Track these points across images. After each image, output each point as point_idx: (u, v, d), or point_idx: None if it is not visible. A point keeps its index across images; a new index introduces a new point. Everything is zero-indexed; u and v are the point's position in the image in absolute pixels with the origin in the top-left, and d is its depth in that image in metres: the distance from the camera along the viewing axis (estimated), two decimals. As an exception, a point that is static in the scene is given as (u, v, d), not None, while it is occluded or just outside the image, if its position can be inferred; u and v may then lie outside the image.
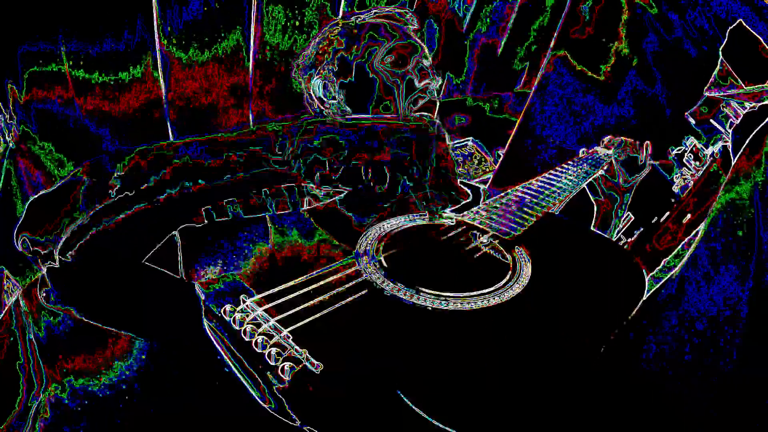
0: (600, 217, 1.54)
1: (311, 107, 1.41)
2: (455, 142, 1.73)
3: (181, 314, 1.13)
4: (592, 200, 1.54)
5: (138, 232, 1.15)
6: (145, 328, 1.11)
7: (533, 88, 1.62)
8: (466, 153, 1.72)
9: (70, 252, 1.14)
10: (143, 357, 1.10)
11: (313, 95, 1.37)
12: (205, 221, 1.21)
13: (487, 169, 1.69)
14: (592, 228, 1.53)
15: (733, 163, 1.29)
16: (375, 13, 1.38)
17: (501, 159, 1.65)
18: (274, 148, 1.25)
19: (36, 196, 1.26)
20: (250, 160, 1.22)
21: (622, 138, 1.54)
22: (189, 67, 1.58)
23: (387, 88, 1.34)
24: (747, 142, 1.29)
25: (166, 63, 1.57)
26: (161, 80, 1.58)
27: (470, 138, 1.71)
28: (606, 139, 1.55)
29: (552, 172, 1.53)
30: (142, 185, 1.16)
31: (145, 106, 1.58)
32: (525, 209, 1.38)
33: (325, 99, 1.36)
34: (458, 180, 1.41)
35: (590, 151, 1.56)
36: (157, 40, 1.55)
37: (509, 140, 1.64)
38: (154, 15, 1.55)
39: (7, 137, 1.53)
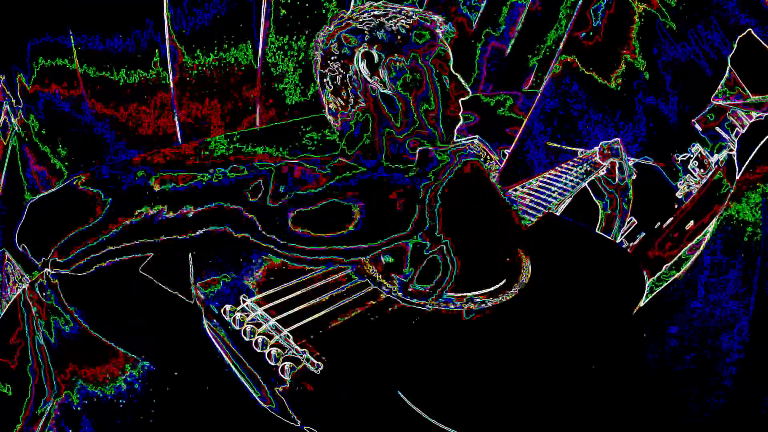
0: (605, 219, 1.54)
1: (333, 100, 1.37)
2: (461, 139, 1.73)
3: (181, 334, 1.14)
4: (597, 203, 1.54)
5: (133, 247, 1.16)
6: (143, 346, 1.12)
7: (540, 90, 1.61)
8: (473, 152, 1.72)
9: (67, 262, 1.14)
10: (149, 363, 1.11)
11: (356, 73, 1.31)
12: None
13: (493, 168, 1.68)
14: (597, 230, 1.53)
15: (739, 174, 1.29)
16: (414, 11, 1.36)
17: (506, 158, 1.64)
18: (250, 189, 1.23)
19: (36, 199, 1.26)
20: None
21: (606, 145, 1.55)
22: (198, 70, 1.58)
23: (431, 85, 1.31)
24: (754, 152, 1.28)
25: (174, 65, 1.57)
26: (170, 82, 1.58)
27: (477, 136, 1.71)
28: (603, 144, 1.55)
29: (553, 172, 1.53)
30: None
31: (151, 108, 1.58)
32: (526, 209, 1.38)
33: (368, 75, 1.30)
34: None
35: (590, 152, 1.56)
36: (167, 42, 1.55)
37: (515, 140, 1.63)
38: (165, 17, 1.54)
39: (13, 120, 1.54)
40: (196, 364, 1.10)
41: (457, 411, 0.98)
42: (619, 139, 1.55)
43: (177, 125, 1.60)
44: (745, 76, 1.47)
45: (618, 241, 1.53)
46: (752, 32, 1.45)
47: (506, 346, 1.08)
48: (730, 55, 1.48)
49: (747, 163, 1.29)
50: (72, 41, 1.52)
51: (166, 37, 1.55)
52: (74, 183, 1.22)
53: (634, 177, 1.55)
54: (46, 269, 1.16)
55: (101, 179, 1.22)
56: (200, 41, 1.57)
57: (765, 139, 1.30)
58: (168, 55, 1.56)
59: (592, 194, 1.54)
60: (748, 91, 1.47)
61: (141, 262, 1.16)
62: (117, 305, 1.16)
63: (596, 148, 1.56)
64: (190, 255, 1.17)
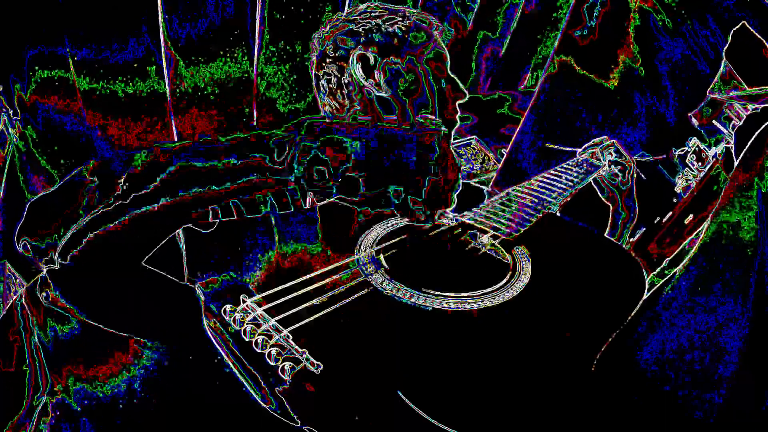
0: (612, 221, 1.54)
1: (328, 97, 1.36)
2: (459, 140, 1.73)
3: (181, 316, 1.13)
4: (605, 200, 1.54)
5: (136, 235, 1.15)
6: (144, 329, 1.12)
7: (536, 90, 1.62)
8: (470, 152, 1.72)
9: (70, 255, 1.14)
10: (148, 365, 1.11)
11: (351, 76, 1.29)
12: (211, 220, 1.20)
13: (490, 168, 1.68)
14: (606, 234, 1.53)
15: (734, 167, 1.29)
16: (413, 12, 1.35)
17: (504, 158, 1.64)
18: (273, 152, 1.20)
19: (36, 198, 1.26)
20: (246, 168, 1.18)
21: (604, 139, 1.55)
22: (194, 79, 1.58)
23: (428, 88, 1.30)
24: (748, 145, 1.28)
25: (170, 73, 1.57)
26: (167, 92, 1.58)
27: (474, 137, 1.71)
28: (597, 140, 1.56)
29: (552, 172, 1.53)
30: (140, 190, 1.15)
31: (148, 118, 1.59)
32: (525, 209, 1.38)
33: (364, 78, 1.29)
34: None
35: (589, 152, 1.56)
36: (163, 51, 1.56)
37: (512, 140, 1.64)
38: (160, 27, 1.55)
39: (10, 130, 1.55)
40: (196, 364, 1.09)
41: (456, 411, 0.97)
42: (616, 141, 1.55)
43: (174, 135, 1.60)
44: (741, 68, 1.47)
45: (625, 242, 1.53)
46: (746, 24, 1.45)
47: (506, 346, 1.08)
48: (725, 48, 1.48)
49: (740, 158, 1.28)
50: (68, 51, 1.53)
51: (162, 46, 1.56)
52: (82, 174, 1.22)
53: (635, 176, 1.56)
54: (54, 258, 1.16)
55: (110, 165, 1.22)
56: (196, 50, 1.57)
57: (757, 133, 1.30)
58: (164, 64, 1.57)
59: (600, 195, 1.54)
60: (744, 84, 1.47)
61: (143, 255, 1.16)
62: (119, 297, 1.16)
63: (596, 149, 1.56)
64: (184, 254, 1.17)
